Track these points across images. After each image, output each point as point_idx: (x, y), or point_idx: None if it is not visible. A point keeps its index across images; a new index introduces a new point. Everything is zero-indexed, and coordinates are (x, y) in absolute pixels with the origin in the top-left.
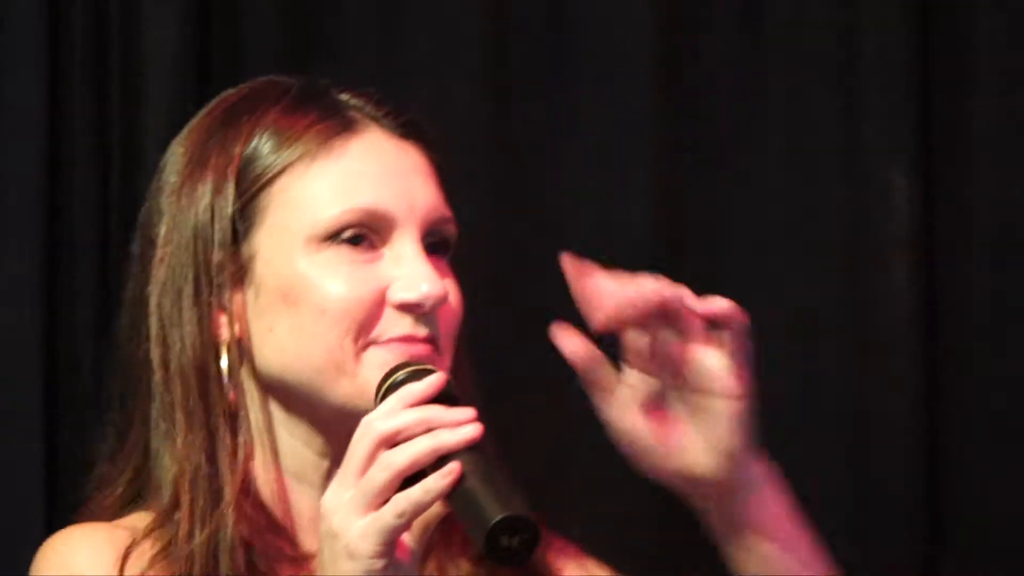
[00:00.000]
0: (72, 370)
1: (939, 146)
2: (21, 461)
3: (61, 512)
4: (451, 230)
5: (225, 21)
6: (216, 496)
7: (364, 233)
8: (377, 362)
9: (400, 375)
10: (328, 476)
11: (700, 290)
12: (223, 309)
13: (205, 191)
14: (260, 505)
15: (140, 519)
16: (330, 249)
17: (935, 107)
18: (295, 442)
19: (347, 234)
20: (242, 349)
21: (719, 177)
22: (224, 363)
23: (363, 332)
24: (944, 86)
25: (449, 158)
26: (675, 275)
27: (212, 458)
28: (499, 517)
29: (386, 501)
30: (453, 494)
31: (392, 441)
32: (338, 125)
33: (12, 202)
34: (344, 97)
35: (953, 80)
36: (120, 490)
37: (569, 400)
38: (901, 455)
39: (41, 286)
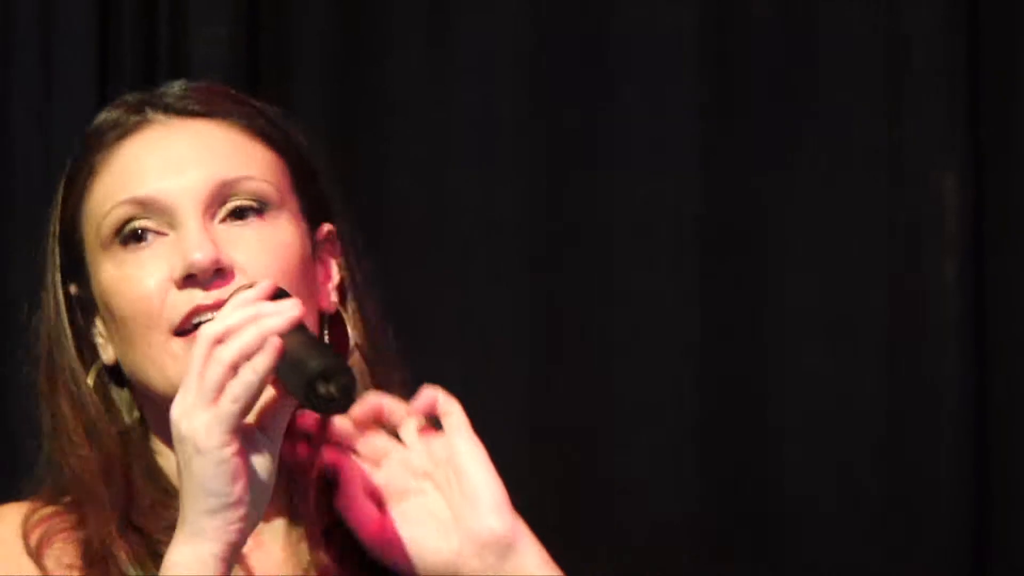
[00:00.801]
0: None
1: (987, 147)
2: None
3: None
4: (255, 188)
5: (274, 24)
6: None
7: (145, 226)
8: (180, 352)
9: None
10: None
11: (745, 290)
12: (99, 334)
13: (53, 231)
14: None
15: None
16: (117, 250)
17: (983, 108)
18: (168, 446)
19: (127, 229)
20: (121, 367)
21: (766, 177)
22: (89, 383)
23: (162, 324)
24: (992, 87)
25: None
26: (721, 273)
27: (100, 466)
28: (317, 366)
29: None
30: (281, 368)
31: (223, 340)
32: (120, 132)
33: None
34: (154, 93)
35: (1001, 81)
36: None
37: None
38: (951, 457)
39: None
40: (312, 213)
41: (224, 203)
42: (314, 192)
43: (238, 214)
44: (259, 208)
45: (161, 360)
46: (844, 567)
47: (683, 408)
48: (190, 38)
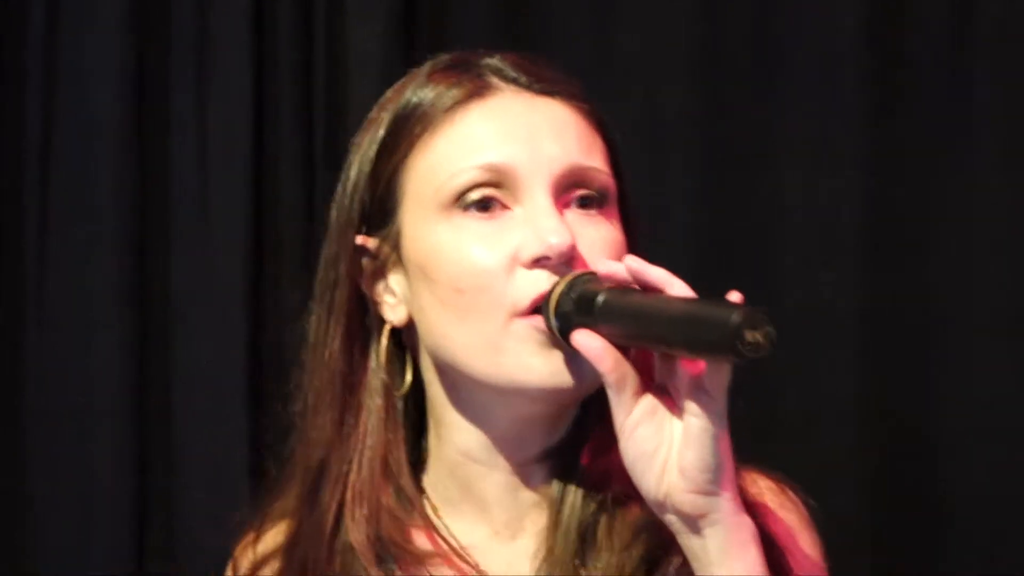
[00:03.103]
0: (276, 373)
1: None
2: (228, 463)
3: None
4: (601, 180)
5: (431, 20)
6: (338, 477)
7: (492, 195)
8: (521, 333)
9: (572, 289)
10: (497, 456)
11: (909, 290)
12: (388, 292)
13: (355, 179)
14: (402, 486)
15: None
16: (459, 216)
17: None
18: (465, 422)
19: (474, 196)
20: (410, 331)
21: (928, 177)
22: (383, 347)
23: (502, 303)
24: None
25: (600, 114)
26: (884, 276)
27: (352, 442)
28: (738, 316)
29: None
30: (678, 332)
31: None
32: (467, 92)
33: (219, 204)
34: (488, 62)
35: None
36: (296, 489)
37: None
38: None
39: (247, 286)
40: (624, 212)
41: (570, 188)
42: (624, 190)
43: (583, 202)
44: (600, 200)
45: (497, 340)
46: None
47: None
48: (347, 34)
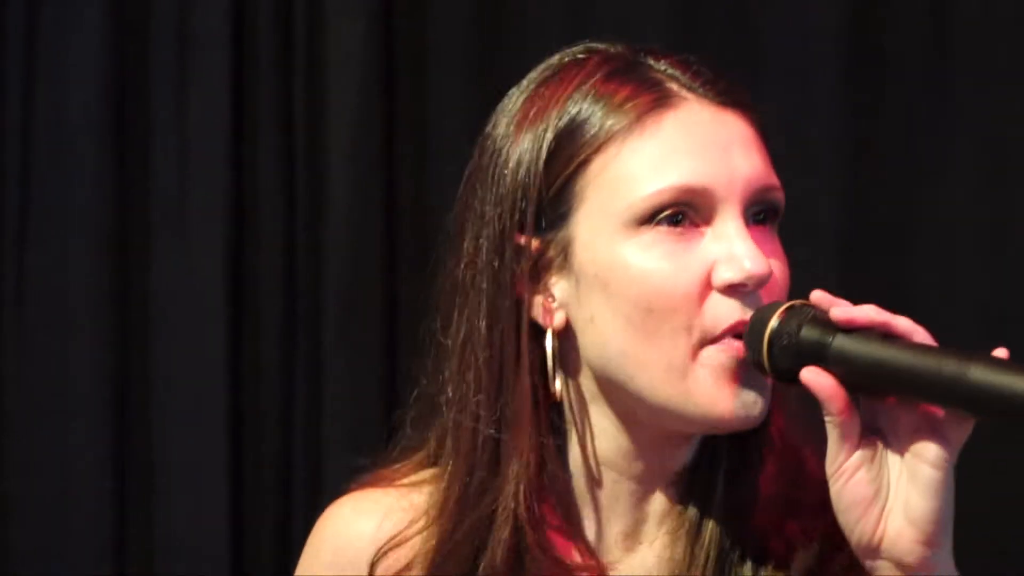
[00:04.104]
0: (256, 370)
1: None
2: (206, 463)
3: (246, 508)
4: (778, 197)
5: (410, 20)
6: (496, 479)
7: (683, 211)
8: (713, 362)
9: (789, 322)
10: (634, 465)
11: (889, 291)
12: (544, 295)
13: (519, 176)
14: (556, 494)
15: (431, 475)
16: (649, 232)
17: None
18: (610, 428)
19: (665, 214)
20: (562, 336)
21: (905, 178)
22: (549, 349)
23: (693, 326)
24: None
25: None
26: (860, 276)
27: (500, 442)
28: None
29: None
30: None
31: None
32: (652, 99)
33: (198, 204)
34: (660, 66)
35: None
36: (414, 461)
37: None
38: None
39: (227, 287)
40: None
41: (754, 205)
42: None
43: (761, 219)
44: (774, 217)
45: (685, 365)
46: None
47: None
48: (326, 34)
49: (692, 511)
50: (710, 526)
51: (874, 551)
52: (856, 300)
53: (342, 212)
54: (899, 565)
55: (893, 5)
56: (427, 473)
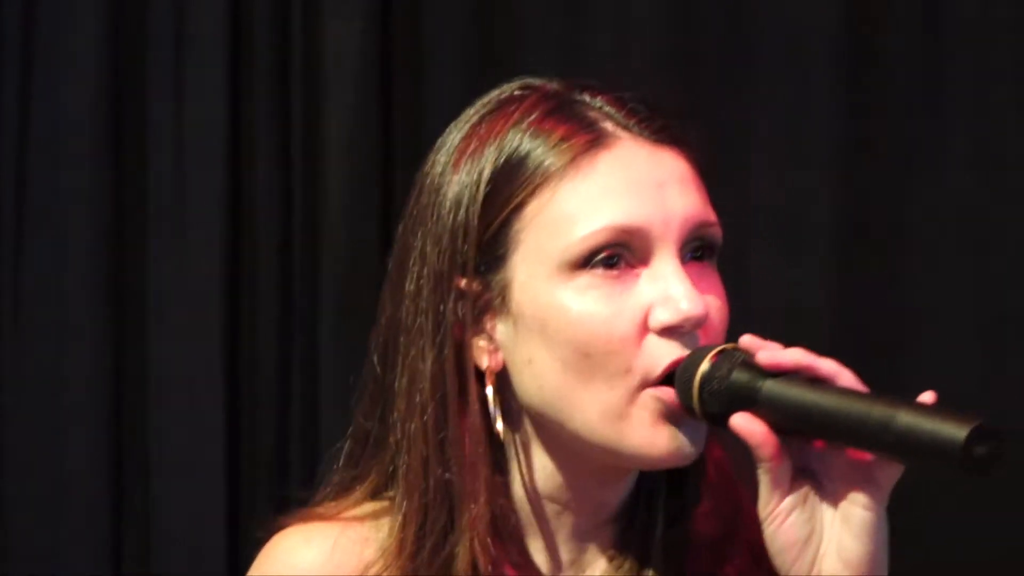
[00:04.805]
0: (252, 370)
1: None
2: (203, 462)
3: (243, 508)
4: (715, 232)
5: (407, 19)
6: (452, 518)
7: (618, 253)
8: (650, 405)
9: (720, 367)
10: (573, 499)
11: (880, 291)
12: (484, 337)
13: (457, 218)
14: (507, 529)
15: (373, 510)
16: (585, 275)
17: None
18: (549, 464)
19: (600, 257)
20: (503, 376)
21: (901, 177)
22: (490, 391)
23: (632, 369)
24: None
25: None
26: (854, 276)
27: (451, 482)
28: (972, 426)
29: None
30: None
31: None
32: (587, 140)
33: (195, 203)
34: (597, 103)
35: None
36: (355, 497)
37: None
38: None
39: (223, 286)
40: None
41: (691, 242)
42: None
43: (697, 256)
44: (711, 253)
45: (622, 409)
46: None
47: None
48: (323, 33)
49: (634, 548)
50: (651, 564)
51: None
52: (855, 299)
53: (339, 212)
54: None
55: (889, 4)
56: (370, 507)
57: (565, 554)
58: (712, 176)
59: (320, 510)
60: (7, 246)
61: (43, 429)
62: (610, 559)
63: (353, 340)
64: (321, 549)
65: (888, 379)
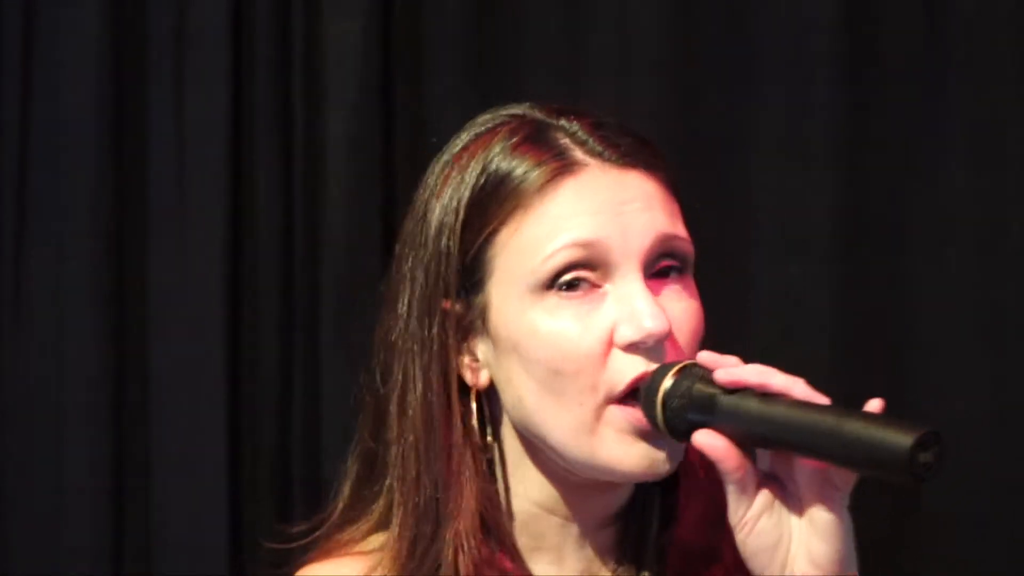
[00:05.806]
0: (253, 370)
1: None
2: (205, 461)
3: (244, 508)
4: (681, 246)
5: (407, 17)
6: (438, 532)
7: (583, 275)
8: (617, 423)
9: (681, 383)
10: (573, 510)
11: (880, 291)
12: (469, 356)
13: (440, 243)
14: (502, 541)
15: (379, 542)
16: (552, 296)
17: None
18: (539, 478)
19: (566, 278)
20: (489, 393)
21: (901, 177)
22: (475, 408)
23: (598, 385)
24: None
25: (676, 174)
26: (855, 276)
27: (438, 498)
28: (907, 436)
29: None
30: (823, 442)
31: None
32: (555, 168)
33: (196, 202)
34: (572, 128)
35: None
36: (365, 527)
37: None
38: None
39: (225, 285)
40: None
41: (657, 259)
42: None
43: (664, 272)
44: (680, 268)
45: (591, 425)
46: None
47: None
48: (324, 31)
49: (630, 549)
50: (646, 565)
51: None
52: (854, 299)
53: (340, 211)
54: None
55: (889, 4)
56: (381, 538)
57: (568, 563)
58: (712, 176)
59: (343, 539)
60: (7, 246)
61: (43, 429)
62: (608, 561)
63: (353, 340)
64: None
65: (888, 379)
